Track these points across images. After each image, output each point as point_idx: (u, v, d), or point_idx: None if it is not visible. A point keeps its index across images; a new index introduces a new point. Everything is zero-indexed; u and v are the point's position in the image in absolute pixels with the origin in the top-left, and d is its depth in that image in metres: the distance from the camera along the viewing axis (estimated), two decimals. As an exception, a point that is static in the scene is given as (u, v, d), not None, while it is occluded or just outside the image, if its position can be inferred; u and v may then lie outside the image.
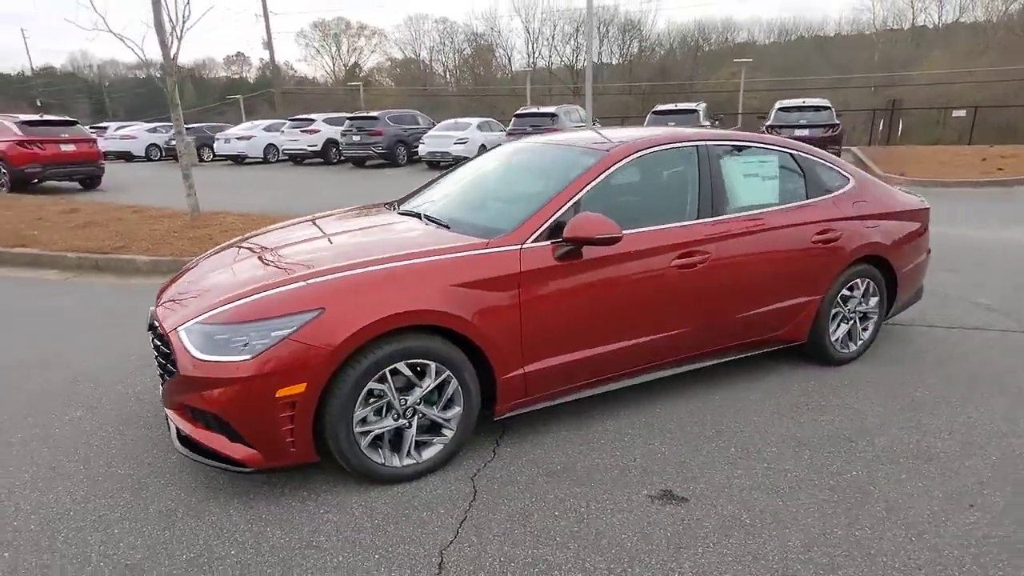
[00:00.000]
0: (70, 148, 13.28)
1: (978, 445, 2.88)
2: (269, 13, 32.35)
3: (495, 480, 2.63)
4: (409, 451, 2.60)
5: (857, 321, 3.81)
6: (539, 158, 3.46)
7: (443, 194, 3.60)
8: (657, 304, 3.04)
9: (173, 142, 21.93)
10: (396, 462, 2.58)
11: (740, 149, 3.47)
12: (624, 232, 2.93)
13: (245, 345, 2.29)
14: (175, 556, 2.18)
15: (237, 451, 2.35)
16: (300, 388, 2.30)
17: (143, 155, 23.82)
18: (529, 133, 15.81)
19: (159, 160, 23.30)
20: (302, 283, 2.45)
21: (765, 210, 3.40)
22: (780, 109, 14.91)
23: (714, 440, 2.95)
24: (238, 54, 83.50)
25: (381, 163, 19.00)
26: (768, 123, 14.67)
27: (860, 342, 3.84)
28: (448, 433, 2.67)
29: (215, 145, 21.74)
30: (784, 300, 3.45)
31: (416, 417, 2.59)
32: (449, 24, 63.55)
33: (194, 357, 2.34)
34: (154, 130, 24.20)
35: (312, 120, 20.42)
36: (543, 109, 17.07)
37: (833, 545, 2.22)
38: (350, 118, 19.31)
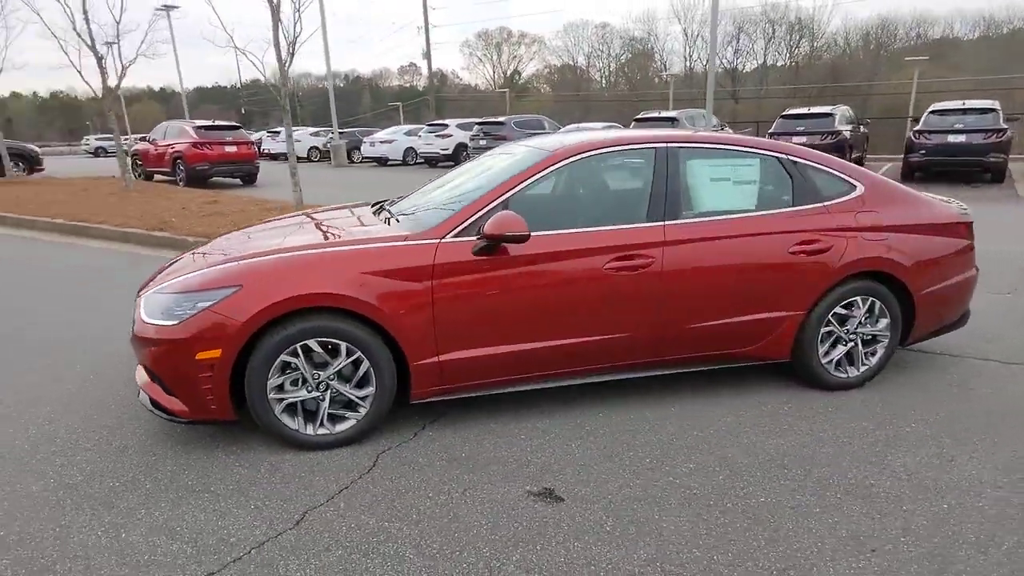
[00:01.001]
0: (232, 149, 15.33)
1: (935, 492, 2.52)
2: (430, 26, 35.01)
3: (399, 459, 2.80)
4: (322, 422, 2.85)
5: (859, 344, 3.43)
6: (502, 160, 3.55)
7: (423, 194, 3.81)
8: (589, 306, 3.01)
9: (329, 144, 24.41)
10: (310, 431, 2.84)
11: (712, 152, 3.31)
12: (553, 232, 2.97)
13: (177, 313, 2.68)
14: (104, 482, 2.61)
15: (172, 403, 2.75)
16: (216, 353, 2.64)
17: (304, 156, 26.65)
18: (647, 138, 15.56)
19: (316, 161, 25.95)
20: (231, 264, 2.80)
21: (733, 216, 3.20)
22: (931, 112, 13.27)
23: (634, 450, 2.87)
24: (410, 64, 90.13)
25: (506, 166, 19.64)
26: (917, 128, 13.12)
27: (865, 367, 3.46)
28: (362, 410, 2.87)
29: (362, 148, 23.77)
30: (753, 313, 3.23)
31: (329, 392, 2.83)
32: (608, 29, 63.45)
33: (142, 320, 2.77)
34: (316, 134, 27.00)
35: (446, 125, 21.60)
36: (663, 113, 16.61)
37: (680, 564, 2.12)
38: (479, 123, 20.17)
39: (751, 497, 2.50)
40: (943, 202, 3.65)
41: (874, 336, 3.44)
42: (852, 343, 3.42)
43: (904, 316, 3.47)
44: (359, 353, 2.79)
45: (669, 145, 3.22)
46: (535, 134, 19.35)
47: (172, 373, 2.70)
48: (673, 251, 3.06)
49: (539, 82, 75.01)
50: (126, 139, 22.88)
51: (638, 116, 16.98)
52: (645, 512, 2.40)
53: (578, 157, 3.12)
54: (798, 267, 3.21)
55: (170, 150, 15.36)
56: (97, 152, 39.51)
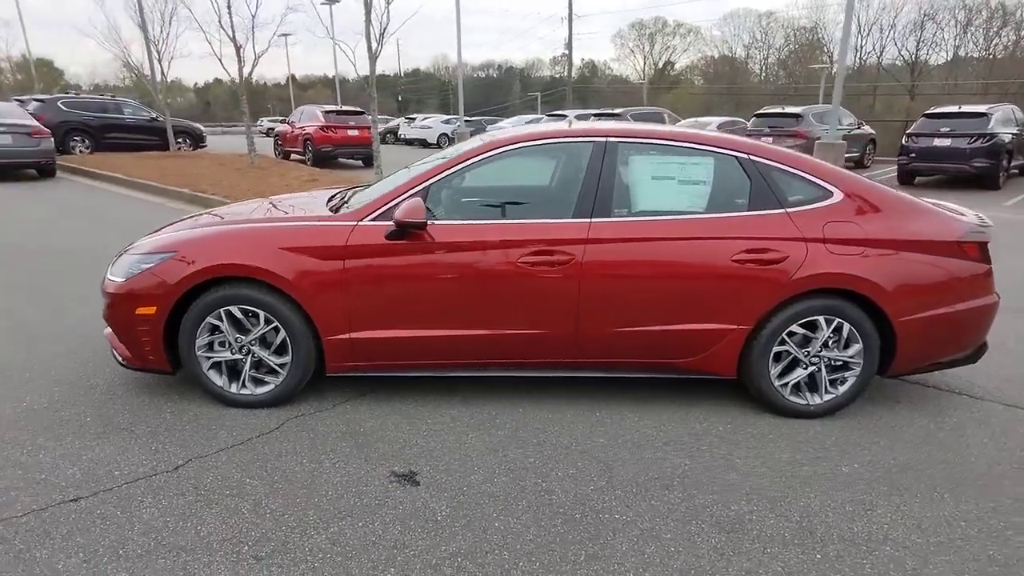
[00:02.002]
0: (355, 133, 16.48)
1: (819, 540, 2.24)
2: (574, 16, 35.13)
3: (301, 426, 2.97)
4: (244, 383, 3.10)
5: (823, 369, 3.07)
6: (456, 148, 3.55)
7: (388, 179, 3.92)
8: (504, 299, 2.97)
9: (458, 131, 25.32)
10: (233, 389, 3.10)
11: (659, 149, 3.10)
12: (470, 223, 2.99)
13: (128, 271, 3.04)
14: (60, 411, 3.04)
15: (121, 350, 3.13)
16: (151, 310, 2.97)
17: (435, 142, 27.93)
18: (767, 135, 14.53)
19: (445, 146, 27.09)
20: (175, 232, 3.11)
21: (668, 217, 2.99)
22: (924, 116, 11.13)
23: (526, 447, 2.82)
24: (563, 55, 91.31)
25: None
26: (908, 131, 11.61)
27: (830, 396, 3.09)
28: (280, 376, 3.08)
29: (484, 136, 24.41)
30: (687, 322, 3.00)
31: (250, 356, 3.07)
32: (772, 18, 59.40)
33: (107, 276, 3.17)
34: (447, 122, 28.13)
35: (564, 115, 21.56)
36: (788, 109, 15.34)
37: (480, 564, 2.09)
38: (595, 114, 19.92)
39: (605, 512, 2.37)
40: (954, 216, 3.13)
41: (845, 363, 3.06)
42: (815, 367, 3.07)
43: (885, 344, 3.04)
44: (276, 322, 2.99)
45: (609, 139, 3.07)
46: (653, 127, 18.69)
47: (119, 324, 3.07)
48: (596, 250, 2.93)
49: (692, 74, 72.31)
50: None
51: (759, 111, 15.88)
52: (485, 509, 2.37)
53: (505, 149, 3.07)
54: (743, 277, 2.94)
55: (302, 132, 16.84)
56: (268, 132, 44.11)
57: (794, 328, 3.01)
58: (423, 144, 28.44)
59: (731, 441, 2.90)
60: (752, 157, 3.06)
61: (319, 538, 2.19)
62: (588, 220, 2.96)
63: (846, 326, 2.99)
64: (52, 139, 12.43)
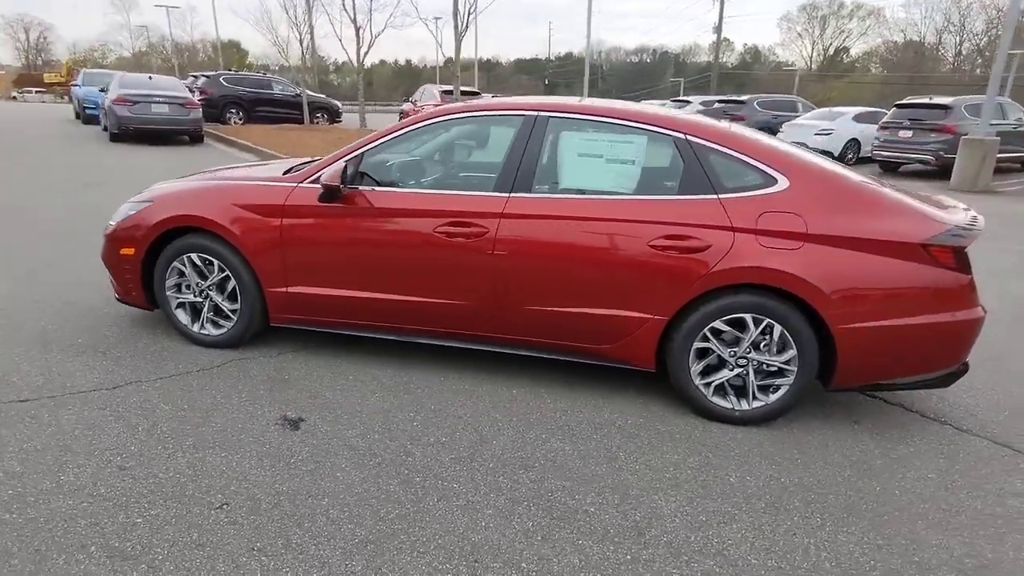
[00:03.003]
0: (467, 112, 17.00)
1: (670, 550, 2.12)
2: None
3: (240, 368, 3.25)
4: (203, 324, 3.45)
5: (751, 373, 2.82)
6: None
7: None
8: (421, 267, 3.04)
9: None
10: (195, 328, 3.46)
11: (591, 125, 2.98)
12: (393, 190, 3.10)
13: (120, 216, 3.49)
14: (59, 330, 3.58)
15: (114, 285, 3.61)
16: (131, 251, 3.39)
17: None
18: (906, 128, 12.99)
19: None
20: (157, 185, 3.51)
21: (586, 197, 2.88)
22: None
23: (418, 412, 2.89)
24: (724, 40, 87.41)
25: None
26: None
27: (759, 403, 2.84)
28: (232, 321, 3.40)
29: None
30: (601, 307, 2.89)
31: (208, 300, 3.41)
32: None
33: (109, 221, 3.66)
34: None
35: (688, 102, 20.64)
36: (937, 100, 13.50)
37: (294, 498, 2.22)
38: (719, 101, 18.87)
39: (446, 480, 2.40)
40: (926, 215, 2.70)
41: (780, 369, 2.79)
42: (743, 370, 2.83)
43: (829, 353, 2.73)
44: (228, 272, 3.30)
45: (539, 114, 3.01)
46: (785, 116, 17.45)
47: (110, 262, 3.54)
48: (511, 224, 2.91)
49: (869, 61, 65.70)
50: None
51: (900, 101, 14.18)
52: (338, 459, 2.49)
53: (439, 120, 3.11)
54: (660, 264, 2.77)
55: (418, 111, 17.68)
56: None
57: (719, 325, 2.79)
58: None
59: (629, 435, 2.77)
60: (689, 137, 2.85)
61: (181, 461, 2.43)
62: (507, 195, 2.94)
63: (777, 328, 2.72)
64: (200, 110, 14.12)
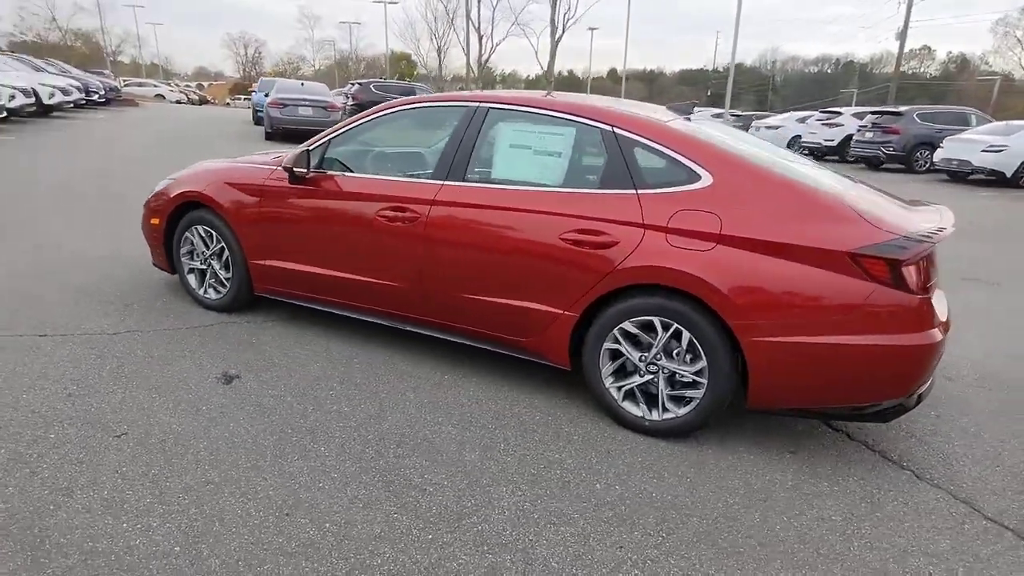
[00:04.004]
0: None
1: (362, 544, 2.12)
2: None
3: (220, 331, 3.62)
4: (205, 289, 3.89)
5: (662, 382, 2.65)
6: None
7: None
8: (365, 248, 3.20)
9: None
10: (200, 292, 3.92)
11: (524, 116, 2.95)
12: (347, 175, 3.32)
13: (154, 191, 4.06)
14: (100, 283, 4.23)
15: (149, 251, 4.20)
16: (157, 221, 3.94)
17: (700, 137, 26.90)
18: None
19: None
20: (199, 163, 4.01)
21: (508, 187, 2.87)
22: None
23: (341, 385, 3.05)
24: (923, 47, 78.86)
25: (899, 167, 16.34)
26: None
27: (669, 415, 2.66)
28: (227, 288, 3.80)
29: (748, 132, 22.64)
30: (516, 299, 2.86)
31: (209, 268, 3.85)
32: None
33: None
34: (718, 116, 26.78)
35: (838, 113, 18.90)
36: None
37: (179, 439, 2.49)
38: (873, 112, 17.08)
39: (315, 444, 2.53)
40: (863, 220, 2.35)
41: (693, 380, 2.60)
42: (653, 377, 2.67)
43: (735, 364, 2.50)
44: (223, 244, 3.71)
45: (481, 105, 3.05)
46: (950, 130, 15.50)
47: (145, 231, 4.12)
48: (440, 211, 2.98)
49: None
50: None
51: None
52: (236, 414, 2.72)
53: (397, 110, 3.26)
54: (569, 259, 2.69)
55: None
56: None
57: (629, 327, 2.65)
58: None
59: (524, 431, 2.73)
60: (616, 130, 2.74)
61: (117, 396, 2.80)
62: (440, 183, 3.02)
63: (686, 335, 2.53)
64: (340, 112, 15.53)
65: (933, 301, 2.40)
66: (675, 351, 2.60)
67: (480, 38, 13.53)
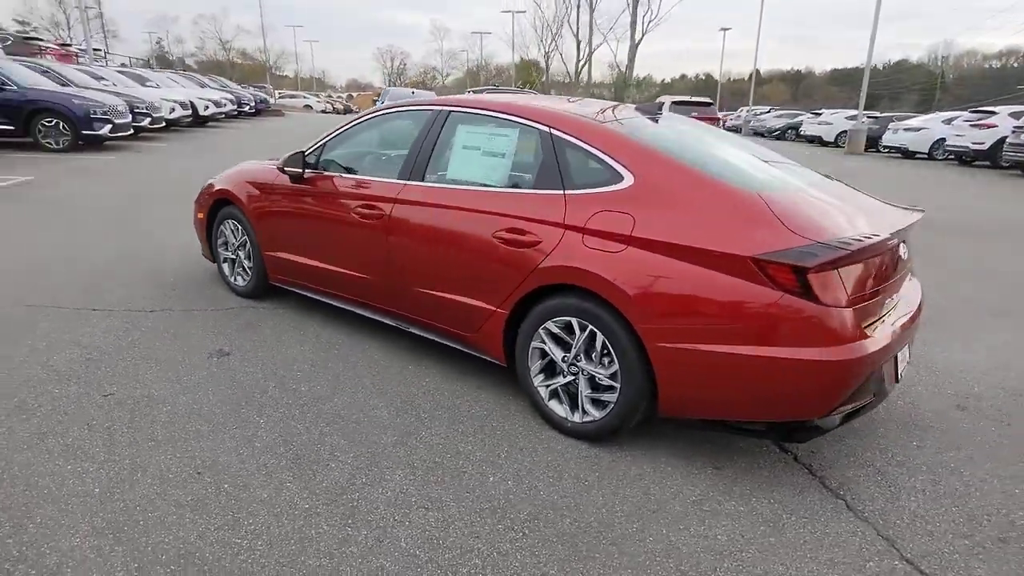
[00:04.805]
0: (695, 124, 16.38)
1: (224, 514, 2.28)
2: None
3: (237, 313, 4.04)
4: (235, 278, 4.36)
5: (582, 383, 2.63)
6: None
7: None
8: (346, 243, 3.45)
9: (855, 129, 22.13)
10: (231, 280, 4.38)
11: (478, 119, 3.04)
12: (332, 174, 3.60)
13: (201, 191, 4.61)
14: (160, 275, 4.84)
15: (201, 243, 4.76)
16: (201, 215, 4.48)
17: (832, 140, 24.92)
18: None
19: (839, 147, 23.86)
20: (231, 168, 4.51)
21: (454, 186, 2.97)
22: None
23: (312, 368, 3.31)
24: None
25: (1063, 174, 14.21)
26: None
27: (588, 418, 2.64)
28: (248, 276, 4.23)
29: (884, 136, 20.68)
30: (457, 294, 2.96)
31: (237, 258, 4.30)
32: None
33: (203, 194, 4.80)
34: (853, 118, 24.69)
35: (992, 112, 16.71)
36: None
37: (153, 402, 2.87)
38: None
39: (255, 414, 2.80)
40: (792, 226, 2.19)
41: (611, 384, 2.56)
42: (575, 378, 2.66)
43: (644, 370, 2.43)
44: (246, 236, 4.15)
45: (444, 108, 3.18)
46: None
47: (194, 224, 4.67)
48: (401, 209, 3.15)
49: None
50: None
51: None
52: (209, 383, 3.06)
53: (378, 115, 3.48)
54: (500, 256, 2.75)
55: (650, 121, 17.56)
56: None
57: (552, 327, 2.66)
58: (820, 142, 25.73)
59: (454, 421, 2.82)
60: (553, 131, 2.76)
61: (122, 363, 3.25)
62: (404, 182, 3.19)
63: (599, 337, 2.51)
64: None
65: (863, 313, 2.20)
66: (593, 353, 2.57)
67: (578, 44, 13.61)
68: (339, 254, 3.51)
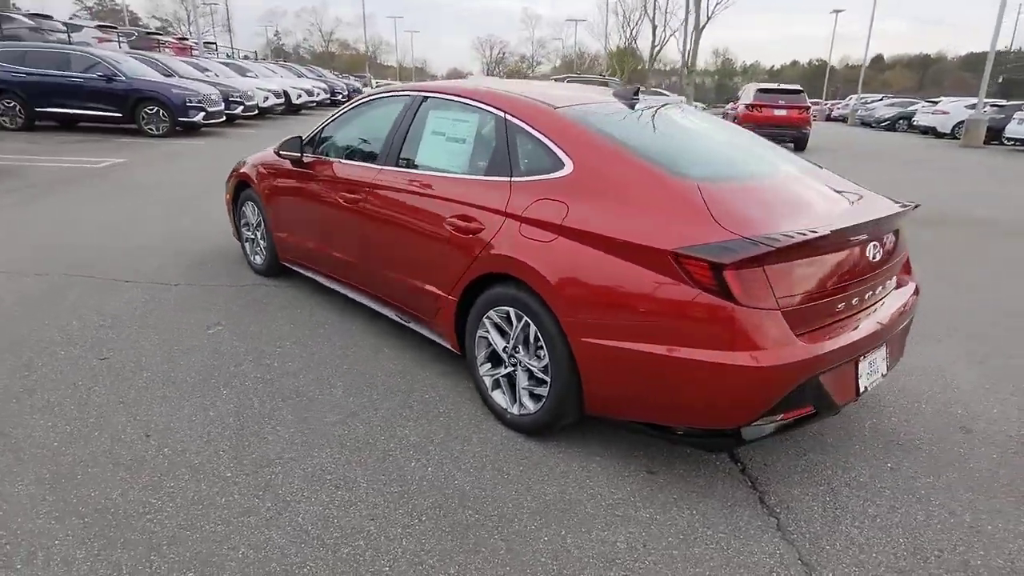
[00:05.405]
0: (782, 113, 15.44)
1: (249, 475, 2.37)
2: None
3: (250, 290, 4.26)
4: (253, 256, 4.59)
5: (520, 375, 2.58)
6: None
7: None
8: (333, 223, 3.53)
9: (973, 119, 20.05)
10: (251, 259, 4.63)
11: (445, 104, 3.01)
12: (323, 159, 3.70)
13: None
14: (192, 253, 5.18)
15: (230, 223, 5.04)
16: (228, 197, 4.75)
17: (948, 131, 22.71)
18: None
19: (955, 138, 21.68)
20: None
21: (418, 171, 2.98)
22: None
23: (295, 345, 3.44)
24: None
25: None
26: None
27: (525, 410, 2.58)
28: (264, 255, 4.45)
29: (1008, 126, 18.57)
30: (419, 279, 2.97)
31: (255, 238, 4.52)
32: None
33: (239, 176, 5.08)
34: (972, 106, 22.35)
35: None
36: None
37: (150, 371, 3.10)
38: None
39: (220, 384, 2.95)
40: (719, 217, 2.03)
41: (543, 379, 2.50)
42: (514, 369, 2.61)
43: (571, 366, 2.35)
44: (260, 218, 4.36)
45: (419, 94, 3.18)
46: None
47: (227, 206, 4.95)
48: (375, 193, 3.20)
49: None
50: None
51: None
52: (192, 353, 3.25)
53: (364, 101, 3.54)
54: (449, 242, 2.74)
55: (734, 111, 16.73)
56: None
57: (494, 315, 2.62)
58: (934, 133, 23.52)
59: (405, 407, 2.84)
60: (507, 116, 2.69)
61: (127, 331, 3.52)
62: (380, 167, 3.23)
63: (532, 328, 2.44)
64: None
65: (800, 316, 2.01)
66: (528, 345, 2.50)
67: (653, 28, 13.16)
68: (330, 237, 3.62)
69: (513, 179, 2.56)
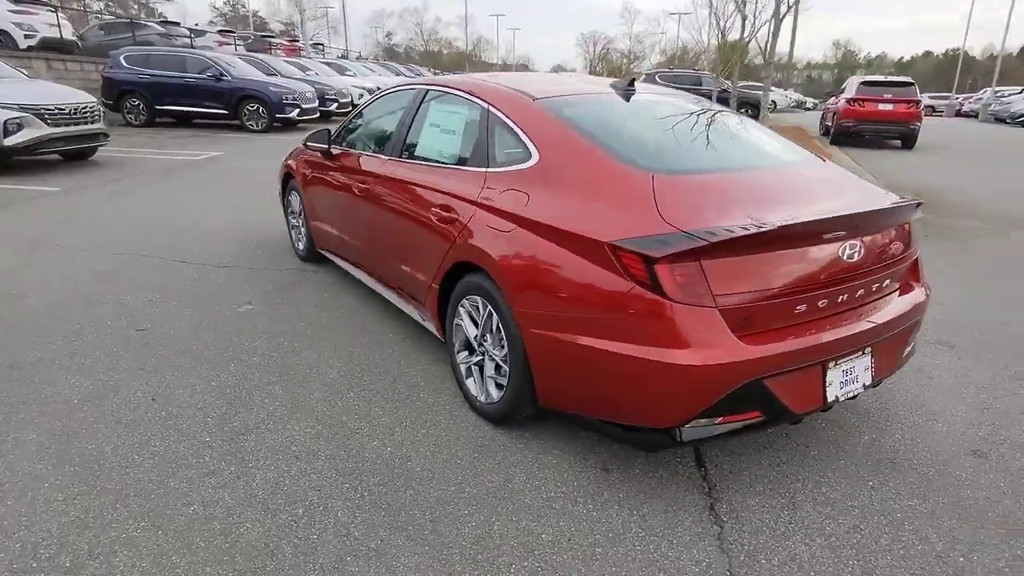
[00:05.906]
0: (888, 108, 14.25)
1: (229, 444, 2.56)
2: None
3: (289, 275, 4.53)
4: (296, 243, 4.88)
5: (487, 362, 2.61)
6: None
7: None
8: (352, 212, 3.70)
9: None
10: (296, 245, 4.93)
11: (442, 96, 3.07)
12: (346, 150, 3.88)
13: (286, 165, 5.21)
14: (246, 238, 5.56)
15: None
16: (279, 188, 5.08)
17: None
18: None
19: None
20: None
21: (415, 162, 3.07)
22: None
23: (306, 325, 3.66)
24: None
25: None
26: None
27: (490, 399, 2.62)
28: (304, 240, 4.73)
29: None
30: (406, 265, 3.08)
31: (298, 223, 4.80)
32: None
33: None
34: None
35: None
36: None
37: (179, 342, 3.41)
38: None
39: (220, 356, 3.19)
40: (661, 208, 1.96)
41: (501, 365, 2.52)
42: (483, 358, 2.65)
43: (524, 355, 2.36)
44: (302, 206, 4.64)
45: (424, 86, 3.27)
46: None
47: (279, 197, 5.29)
48: (380, 184, 3.33)
49: None
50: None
51: None
52: (217, 328, 3.53)
53: (382, 94, 3.67)
54: (431, 230, 2.81)
55: (835, 105, 15.65)
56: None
57: (466, 303, 2.67)
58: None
59: (389, 388, 2.94)
60: (490, 108, 2.72)
61: (166, 307, 3.87)
62: (386, 158, 3.36)
63: (495, 318, 2.47)
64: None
65: (742, 315, 1.90)
66: (492, 335, 2.53)
67: (743, 19, 12.54)
68: (348, 225, 3.80)
69: (488, 170, 2.59)
